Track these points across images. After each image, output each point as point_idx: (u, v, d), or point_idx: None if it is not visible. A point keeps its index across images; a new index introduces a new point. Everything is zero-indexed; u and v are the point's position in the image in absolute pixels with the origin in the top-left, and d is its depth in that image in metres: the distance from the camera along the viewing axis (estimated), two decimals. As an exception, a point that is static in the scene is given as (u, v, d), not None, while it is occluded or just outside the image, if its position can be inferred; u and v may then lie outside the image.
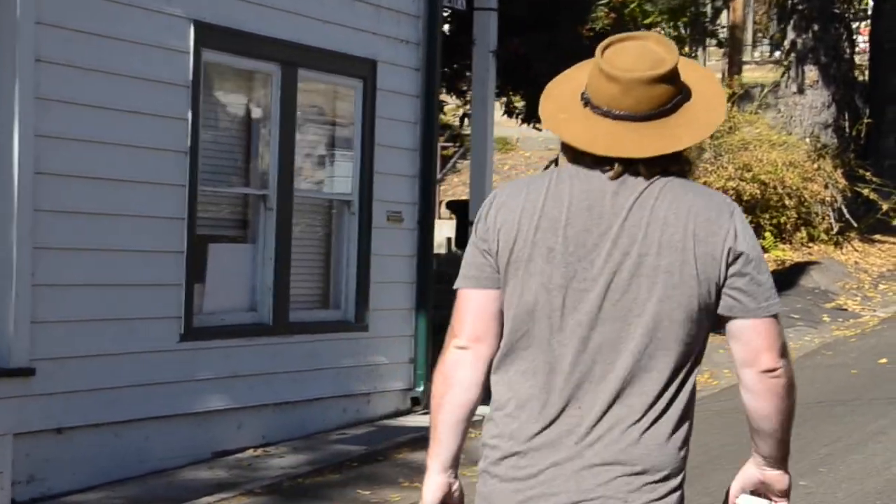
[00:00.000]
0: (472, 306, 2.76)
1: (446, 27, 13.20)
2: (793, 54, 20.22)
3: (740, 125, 18.39)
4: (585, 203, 2.68)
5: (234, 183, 9.34)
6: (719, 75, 23.72)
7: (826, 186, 18.67)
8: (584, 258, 2.66)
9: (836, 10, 20.60)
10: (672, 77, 2.67)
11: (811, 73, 20.01)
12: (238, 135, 9.41)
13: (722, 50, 26.96)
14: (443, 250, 16.74)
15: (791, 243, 18.32)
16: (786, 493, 2.86)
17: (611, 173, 2.67)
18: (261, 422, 9.24)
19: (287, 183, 9.44)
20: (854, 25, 22.87)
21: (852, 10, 22.56)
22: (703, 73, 2.80)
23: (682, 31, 22.68)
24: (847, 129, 20.63)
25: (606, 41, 2.73)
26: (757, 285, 2.66)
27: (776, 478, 2.84)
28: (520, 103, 14.41)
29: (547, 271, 2.67)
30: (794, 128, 19.63)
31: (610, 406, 2.65)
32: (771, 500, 2.87)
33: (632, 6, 18.40)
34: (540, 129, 14.95)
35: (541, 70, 12.71)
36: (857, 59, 22.40)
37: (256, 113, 9.45)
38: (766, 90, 20.09)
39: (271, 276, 9.31)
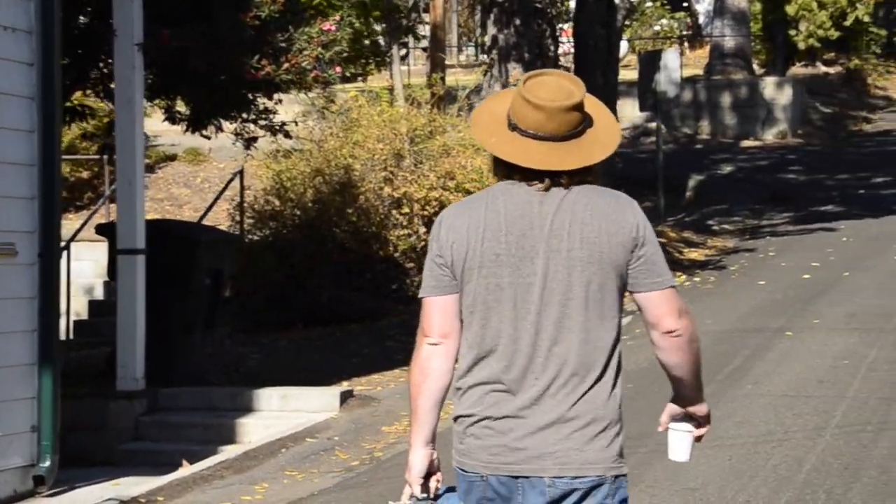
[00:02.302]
0: (438, 310, 3.55)
1: (81, 16, 11.02)
2: (495, 51, 18.90)
3: (443, 129, 16.66)
4: (518, 213, 3.50)
5: None
6: (423, 78, 22.27)
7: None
8: (524, 258, 3.48)
9: (538, 5, 19.42)
10: (581, 106, 3.53)
11: (515, 71, 18.81)
12: None
13: (426, 53, 25.67)
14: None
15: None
16: (707, 418, 3.72)
17: (541, 186, 3.51)
18: None
19: None
20: (558, 26, 21.86)
21: (555, 8, 21.50)
22: (600, 105, 3.60)
23: (376, 28, 21.02)
24: (555, 130, 19.47)
25: (525, 76, 3.54)
26: (654, 264, 3.51)
27: (698, 408, 3.70)
28: (183, 107, 12.33)
29: (497, 273, 3.48)
30: (498, 130, 18.20)
31: (558, 374, 3.46)
32: (693, 425, 3.71)
33: (318, -1, 16.58)
34: (208, 137, 12.89)
35: (200, 65, 10.72)
36: (562, 59, 21.35)
37: None
38: (468, 91, 18.55)
39: None
